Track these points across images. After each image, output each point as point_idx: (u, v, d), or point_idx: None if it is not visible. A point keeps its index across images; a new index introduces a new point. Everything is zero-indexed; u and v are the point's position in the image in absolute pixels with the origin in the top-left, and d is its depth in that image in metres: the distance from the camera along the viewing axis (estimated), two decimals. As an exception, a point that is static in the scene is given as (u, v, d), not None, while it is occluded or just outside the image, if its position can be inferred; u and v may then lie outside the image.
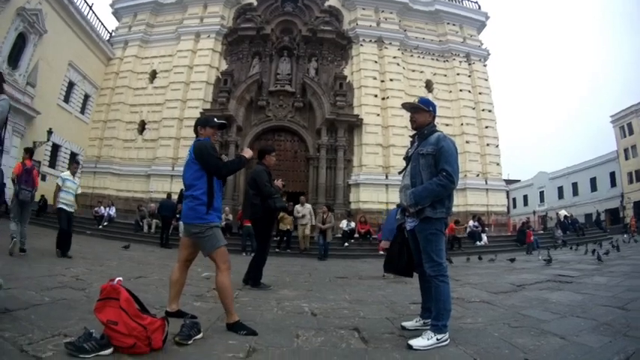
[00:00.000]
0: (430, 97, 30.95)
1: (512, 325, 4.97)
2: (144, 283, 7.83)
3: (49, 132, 25.12)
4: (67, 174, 11.40)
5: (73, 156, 29.49)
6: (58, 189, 11.16)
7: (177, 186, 25.81)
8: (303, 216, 18.80)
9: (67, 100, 28.95)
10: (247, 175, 27.03)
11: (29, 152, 11.13)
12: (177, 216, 20.43)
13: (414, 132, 4.87)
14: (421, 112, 4.76)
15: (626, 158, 48.30)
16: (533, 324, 5.00)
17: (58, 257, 10.32)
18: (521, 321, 5.20)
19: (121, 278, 3.75)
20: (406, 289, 8.47)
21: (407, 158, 4.85)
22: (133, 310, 3.57)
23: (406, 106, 4.96)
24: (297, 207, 18.93)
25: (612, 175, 50.16)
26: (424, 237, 4.46)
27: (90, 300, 5.29)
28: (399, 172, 5.05)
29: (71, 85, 29.29)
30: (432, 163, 4.43)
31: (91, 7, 30.88)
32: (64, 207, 11.11)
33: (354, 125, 29.20)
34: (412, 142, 4.90)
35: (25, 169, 10.40)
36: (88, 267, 9.24)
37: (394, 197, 26.55)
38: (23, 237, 10.10)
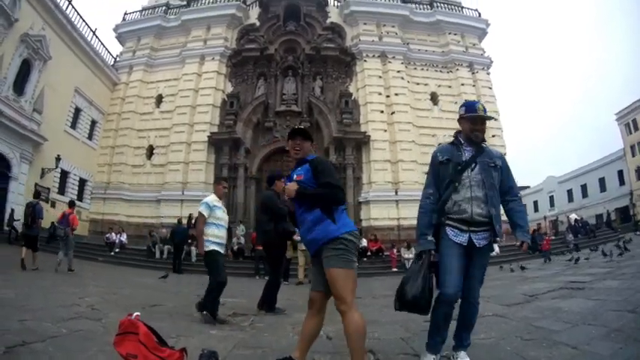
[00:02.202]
0: (436, 109, 31.18)
1: (524, 338, 4.99)
2: (159, 312, 7.80)
3: (57, 159, 25.38)
4: (212, 199, 7.73)
5: (82, 182, 29.78)
6: (204, 221, 7.46)
7: (187, 210, 26.03)
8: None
9: (74, 126, 29.08)
10: (257, 200, 27.14)
11: (70, 204, 15.16)
12: (189, 241, 20.50)
13: (457, 137, 4.42)
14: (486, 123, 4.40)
15: (633, 155, 48.08)
16: (546, 335, 5.01)
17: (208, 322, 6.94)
18: (534, 333, 5.22)
19: (138, 313, 3.76)
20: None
21: (460, 166, 4.21)
22: (152, 343, 3.59)
23: (486, 118, 4.34)
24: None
25: (620, 173, 49.90)
26: (488, 257, 4.40)
27: (106, 331, 5.33)
28: (448, 183, 4.17)
29: (78, 111, 29.44)
30: (499, 178, 4.28)
31: (94, 32, 31.20)
32: (218, 248, 7.54)
33: (362, 142, 29.20)
34: (456, 147, 4.33)
35: (64, 215, 14.28)
36: (103, 296, 9.19)
37: (405, 213, 26.63)
38: (70, 260, 13.68)
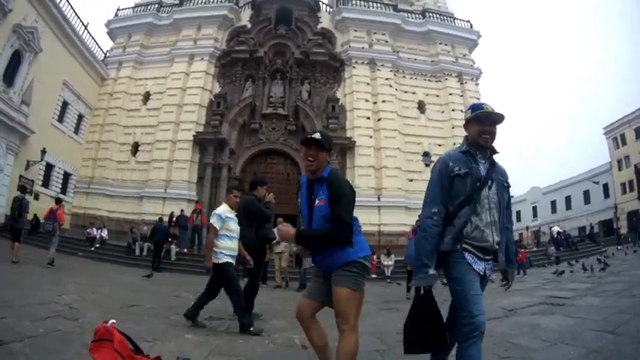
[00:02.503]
0: (423, 117, 31.30)
1: (501, 356, 4.98)
2: (136, 313, 7.79)
3: (43, 151, 25.28)
4: (224, 209, 7.55)
5: (67, 176, 29.63)
6: (215, 234, 7.22)
7: (168, 208, 26.16)
8: (278, 243, 15.04)
9: (61, 119, 28.91)
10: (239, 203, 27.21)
11: (57, 201, 16.47)
12: (169, 239, 20.51)
13: (471, 147, 3.72)
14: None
15: (619, 169, 48.67)
16: (523, 354, 5.04)
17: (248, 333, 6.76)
18: (511, 351, 5.21)
19: (114, 321, 3.80)
20: (396, 318, 8.40)
21: (478, 181, 3.56)
22: (127, 351, 3.63)
23: (496, 116, 3.63)
24: (274, 231, 12.69)
25: (605, 186, 50.30)
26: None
27: (83, 331, 5.38)
28: (464, 202, 3.52)
29: (65, 104, 29.24)
30: (507, 200, 3.78)
31: (86, 27, 30.97)
32: (231, 260, 7.32)
33: (347, 148, 29.22)
34: (471, 158, 3.67)
35: (51, 211, 15.21)
36: (81, 294, 9.17)
37: (386, 219, 26.98)
38: (50, 255, 14.34)
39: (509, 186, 3.80)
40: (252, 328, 6.74)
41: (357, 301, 3.60)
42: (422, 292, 3.52)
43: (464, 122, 3.85)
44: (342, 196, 3.59)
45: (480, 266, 3.46)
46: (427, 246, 3.44)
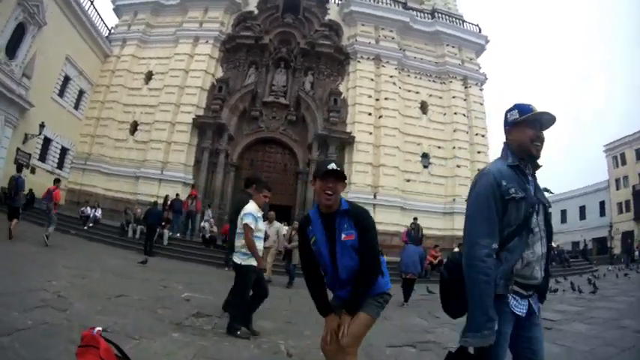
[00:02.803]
0: (424, 118, 31.24)
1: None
2: (124, 304, 7.72)
3: (42, 125, 25.19)
4: (255, 208, 7.09)
5: (64, 151, 29.46)
6: (252, 233, 6.83)
7: (164, 190, 26.12)
8: (267, 238, 13.81)
9: (61, 94, 28.71)
10: (234, 186, 27.17)
11: (55, 181, 16.65)
12: (163, 224, 20.40)
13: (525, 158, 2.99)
14: None
15: (617, 188, 49.11)
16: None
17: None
18: None
19: (100, 328, 3.72)
20: (385, 328, 8.32)
21: (532, 206, 2.85)
22: (113, 359, 3.57)
23: (554, 121, 2.93)
24: (264, 225, 11.92)
25: (602, 204, 50.48)
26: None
27: (71, 325, 5.36)
28: (516, 231, 2.79)
29: (67, 79, 29.04)
30: None
31: (92, 2, 30.71)
32: (254, 263, 6.92)
33: (346, 142, 29.13)
34: (521, 174, 2.93)
35: (49, 192, 15.91)
36: (70, 280, 9.10)
37: (380, 217, 26.45)
38: (48, 233, 14.60)
39: (550, 205, 3.07)
40: (239, 332, 6.57)
41: (369, 328, 3.55)
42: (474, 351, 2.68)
43: (506, 127, 3.06)
44: (370, 228, 3.51)
45: (522, 308, 2.79)
46: (490, 292, 2.65)
